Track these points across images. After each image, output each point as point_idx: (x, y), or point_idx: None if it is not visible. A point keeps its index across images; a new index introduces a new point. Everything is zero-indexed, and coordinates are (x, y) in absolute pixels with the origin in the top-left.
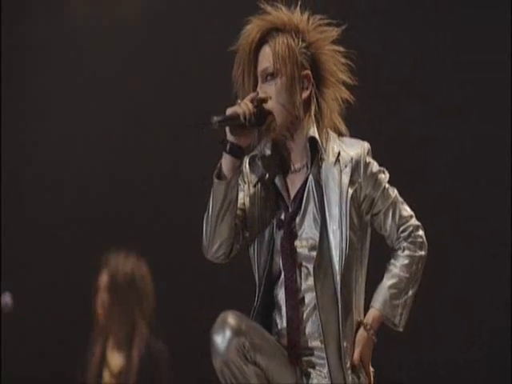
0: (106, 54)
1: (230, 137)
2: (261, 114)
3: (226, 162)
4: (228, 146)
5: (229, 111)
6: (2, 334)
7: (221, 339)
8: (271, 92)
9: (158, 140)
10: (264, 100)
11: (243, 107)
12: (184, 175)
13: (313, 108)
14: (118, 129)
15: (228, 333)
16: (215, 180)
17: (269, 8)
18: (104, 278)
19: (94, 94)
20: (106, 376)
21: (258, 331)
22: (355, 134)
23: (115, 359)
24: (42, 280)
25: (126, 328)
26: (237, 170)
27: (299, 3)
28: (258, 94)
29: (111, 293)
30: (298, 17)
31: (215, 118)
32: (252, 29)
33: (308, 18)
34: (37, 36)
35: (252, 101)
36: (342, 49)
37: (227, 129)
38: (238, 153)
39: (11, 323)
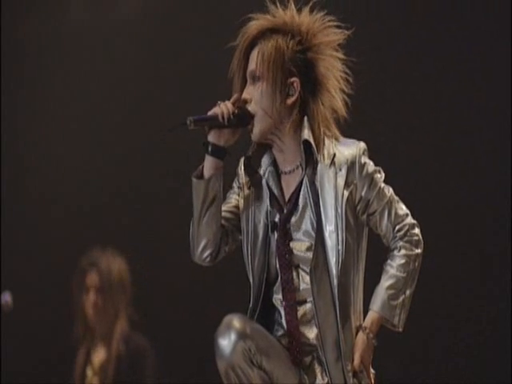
0: (106, 54)
1: (210, 138)
2: (244, 116)
3: (207, 163)
4: (210, 148)
5: (209, 112)
6: (1, 334)
7: (226, 342)
8: (255, 95)
9: (157, 139)
10: (245, 101)
11: (222, 108)
12: (174, 172)
13: (294, 114)
14: (116, 128)
15: (233, 336)
16: (194, 180)
17: (273, 7)
18: (94, 278)
19: (93, 93)
20: (90, 374)
21: (262, 334)
22: (351, 133)
23: (98, 355)
24: (41, 279)
25: (108, 324)
26: (218, 170)
27: (311, 3)
28: (240, 95)
29: (102, 292)
30: (303, 17)
31: (191, 118)
32: (249, 27)
33: (315, 20)
34: (37, 36)
35: (234, 102)
36: (342, 56)
37: (208, 130)
38: (219, 154)
39: (11, 323)
